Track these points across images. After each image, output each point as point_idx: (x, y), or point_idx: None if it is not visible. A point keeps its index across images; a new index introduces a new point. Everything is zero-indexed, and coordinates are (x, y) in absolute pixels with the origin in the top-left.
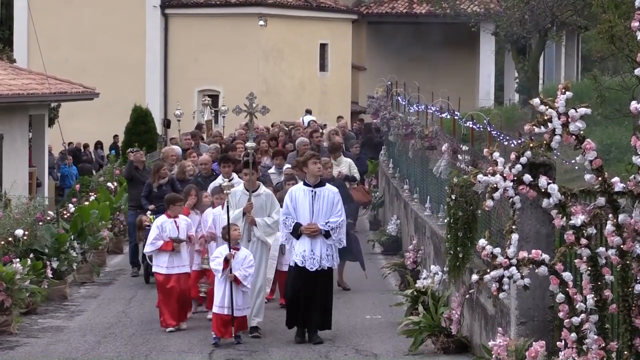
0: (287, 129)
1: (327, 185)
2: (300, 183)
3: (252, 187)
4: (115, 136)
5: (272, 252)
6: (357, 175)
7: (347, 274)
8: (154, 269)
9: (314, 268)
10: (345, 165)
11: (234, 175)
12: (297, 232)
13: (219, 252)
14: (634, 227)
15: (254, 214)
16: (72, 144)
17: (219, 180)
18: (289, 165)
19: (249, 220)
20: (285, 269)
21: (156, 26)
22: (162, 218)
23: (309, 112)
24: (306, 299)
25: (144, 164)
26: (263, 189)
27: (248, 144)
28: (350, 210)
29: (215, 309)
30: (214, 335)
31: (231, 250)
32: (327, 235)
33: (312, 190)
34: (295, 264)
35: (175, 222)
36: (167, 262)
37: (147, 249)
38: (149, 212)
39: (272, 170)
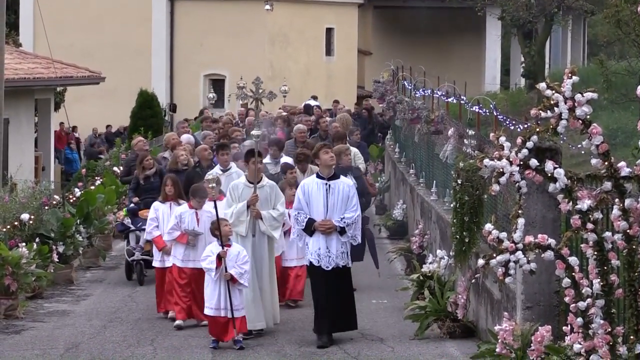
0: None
1: (342, 177)
2: (313, 176)
3: (257, 178)
4: (108, 126)
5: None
6: (363, 166)
7: (355, 268)
8: (172, 261)
9: (329, 267)
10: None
11: (232, 164)
12: (310, 228)
13: (209, 250)
14: None
15: (258, 206)
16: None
17: (216, 169)
18: (286, 157)
19: (254, 214)
20: (289, 264)
21: (162, 10)
22: (183, 208)
23: (314, 97)
24: (331, 299)
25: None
26: (266, 180)
27: (253, 132)
28: (364, 204)
29: (209, 312)
30: (212, 339)
31: (223, 247)
32: (342, 231)
33: (326, 184)
34: (311, 263)
35: (196, 213)
36: (183, 254)
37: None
38: (131, 205)
39: (267, 159)
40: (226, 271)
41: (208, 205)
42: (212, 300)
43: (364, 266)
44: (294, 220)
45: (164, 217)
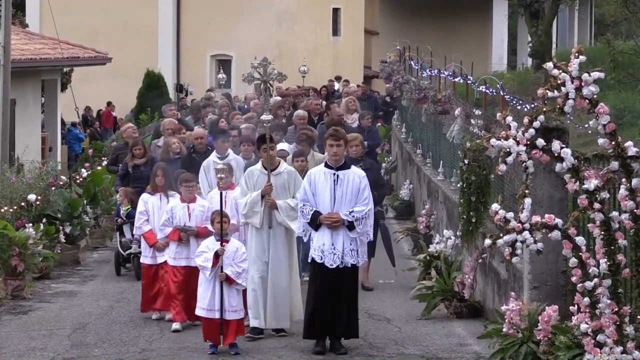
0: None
1: (353, 167)
2: (322, 165)
3: (272, 164)
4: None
5: None
6: None
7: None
8: (165, 258)
9: (334, 265)
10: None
11: (229, 151)
12: (315, 222)
13: (205, 246)
14: None
15: (274, 196)
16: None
17: (213, 156)
18: (287, 145)
19: (269, 204)
20: None
21: None
22: (175, 202)
23: (337, 79)
24: (328, 301)
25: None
26: (284, 166)
27: (264, 117)
28: (379, 197)
29: (202, 313)
30: (209, 344)
31: (222, 243)
32: (350, 226)
33: (335, 174)
34: (313, 259)
35: (188, 207)
36: (175, 252)
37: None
38: (118, 195)
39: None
40: (222, 270)
41: (201, 200)
42: (205, 300)
43: (376, 259)
44: (299, 213)
45: (154, 210)
